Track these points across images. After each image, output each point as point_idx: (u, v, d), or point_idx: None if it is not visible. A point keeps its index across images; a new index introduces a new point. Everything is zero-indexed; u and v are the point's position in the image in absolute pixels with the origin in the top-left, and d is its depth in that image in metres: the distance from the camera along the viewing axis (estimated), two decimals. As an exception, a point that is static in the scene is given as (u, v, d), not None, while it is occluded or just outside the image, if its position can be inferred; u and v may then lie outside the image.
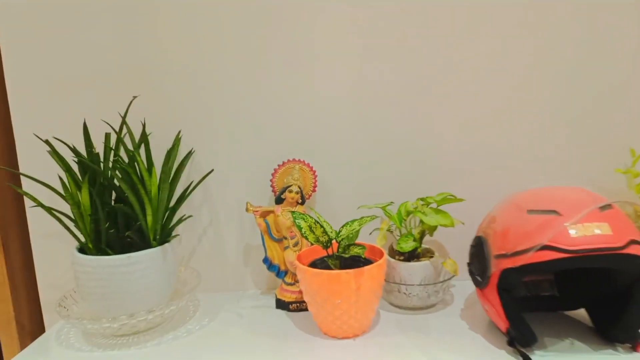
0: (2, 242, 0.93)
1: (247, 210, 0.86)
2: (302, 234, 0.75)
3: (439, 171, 0.91)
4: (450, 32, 0.87)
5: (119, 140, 0.80)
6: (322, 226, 0.75)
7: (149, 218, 0.77)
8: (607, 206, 0.63)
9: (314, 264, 0.77)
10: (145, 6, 0.87)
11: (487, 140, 0.90)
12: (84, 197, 0.75)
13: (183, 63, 0.89)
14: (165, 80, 0.89)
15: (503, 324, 0.67)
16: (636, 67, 0.87)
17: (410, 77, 0.88)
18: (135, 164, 0.78)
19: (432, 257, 0.82)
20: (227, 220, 0.94)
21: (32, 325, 0.99)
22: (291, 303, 0.84)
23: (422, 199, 0.85)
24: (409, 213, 0.83)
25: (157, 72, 0.89)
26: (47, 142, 0.77)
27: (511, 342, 0.67)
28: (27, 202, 0.93)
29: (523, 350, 0.65)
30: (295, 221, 0.75)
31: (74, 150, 0.78)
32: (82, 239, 0.79)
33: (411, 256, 0.83)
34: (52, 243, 0.94)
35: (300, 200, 0.86)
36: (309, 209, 0.91)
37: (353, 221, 0.76)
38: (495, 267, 0.66)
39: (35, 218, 0.93)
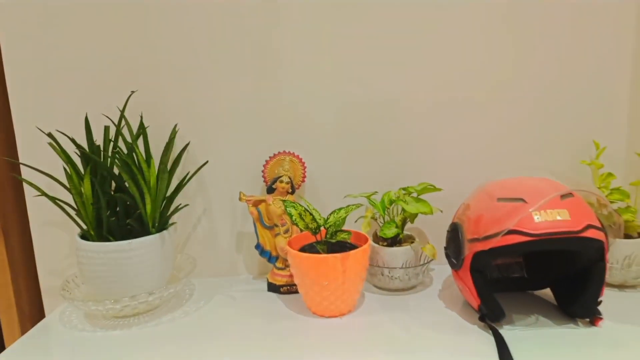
0: (3, 230, 0.96)
1: (240, 199, 0.91)
2: (292, 221, 0.81)
3: (419, 163, 0.97)
4: (429, 29, 0.93)
5: (118, 133, 0.85)
6: (311, 214, 0.81)
7: (148, 207, 0.82)
8: (568, 195, 0.70)
9: (303, 249, 0.83)
10: (142, 3, 0.90)
11: (463, 134, 0.96)
12: (86, 187, 0.80)
13: (179, 60, 0.93)
14: (162, 76, 0.93)
15: (475, 302, 0.74)
16: (600, 65, 0.94)
17: (394, 73, 0.94)
18: (134, 155, 0.83)
19: (412, 242, 0.89)
20: (221, 209, 0.99)
21: (31, 310, 1.03)
22: (282, 286, 0.90)
23: (403, 189, 0.91)
24: (391, 202, 0.89)
25: (154, 68, 0.93)
26: (49, 134, 0.81)
27: (482, 318, 0.74)
28: (27, 192, 0.96)
29: (493, 324, 0.72)
30: (286, 209, 0.81)
31: (75, 142, 0.82)
32: (84, 227, 0.83)
33: (393, 242, 0.89)
34: (52, 231, 0.97)
35: (290, 190, 0.91)
36: (298, 198, 0.97)
37: (340, 209, 0.82)
38: (469, 250, 0.73)
39: (35, 207, 0.97)
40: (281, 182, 0.90)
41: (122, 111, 0.85)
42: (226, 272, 1.01)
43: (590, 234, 0.67)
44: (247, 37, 0.92)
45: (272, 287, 0.91)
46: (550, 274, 0.81)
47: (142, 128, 0.88)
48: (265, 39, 0.92)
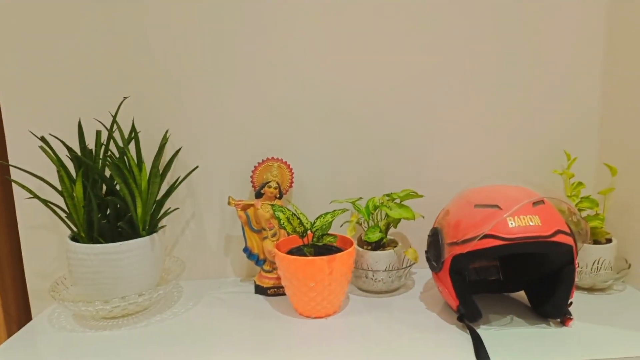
0: (-10, 232, 0.97)
1: (229, 203, 0.94)
2: (280, 225, 0.84)
3: (402, 170, 1.01)
4: (414, 39, 0.97)
5: (110, 137, 0.86)
6: (298, 218, 0.84)
7: (139, 210, 0.84)
8: (540, 202, 0.75)
9: (291, 252, 0.86)
10: (135, 10, 0.93)
11: (444, 144, 1.01)
12: (77, 190, 0.81)
13: (171, 67, 0.95)
14: (154, 83, 0.95)
15: (454, 303, 0.78)
16: (571, 80, 0.99)
17: (380, 83, 0.98)
18: (126, 159, 0.85)
19: (395, 246, 0.93)
20: (210, 213, 1.01)
21: (18, 314, 1.03)
22: (269, 288, 0.93)
23: (387, 195, 0.95)
24: (375, 207, 0.93)
25: (146, 75, 0.95)
26: (42, 138, 0.82)
27: (460, 318, 0.78)
28: (16, 194, 0.97)
29: (470, 324, 0.76)
30: (275, 213, 0.84)
31: (67, 146, 0.83)
32: (74, 229, 0.85)
33: (377, 245, 0.93)
34: (40, 233, 0.98)
35: (278, 195, 0.94)
36: (286, 203, 1.00)
37: (326, 214, 0.86)
38: (448, 254, 0.77)
39: (24, 209, 0.97)
40: (269, 187, 0.93)
41: (114, 116, 0.87)
42: (214, 274, 1.04)
43: (559, 238, 0.71)
44: (237, 44, 0.95)
45: (260, 290, 0.94)
46: (524, 276, 0.86)
47: (133, 132, 0.90)
48: (255, 46, 0.96)
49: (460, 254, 0.74)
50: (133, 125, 0.91)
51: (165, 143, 0.91)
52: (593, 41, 0.98)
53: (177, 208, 0.99)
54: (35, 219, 0.98)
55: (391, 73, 0.98)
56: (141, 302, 0.83)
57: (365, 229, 0.93)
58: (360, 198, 0.99)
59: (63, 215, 0.85)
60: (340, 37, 0.96)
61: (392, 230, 0.97)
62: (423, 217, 0.95)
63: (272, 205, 0.86)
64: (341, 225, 1.02)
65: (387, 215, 0.91)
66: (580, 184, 0.94)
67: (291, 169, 0.97)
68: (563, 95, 1.00)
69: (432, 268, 0.83)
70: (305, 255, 0.83)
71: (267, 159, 0.96)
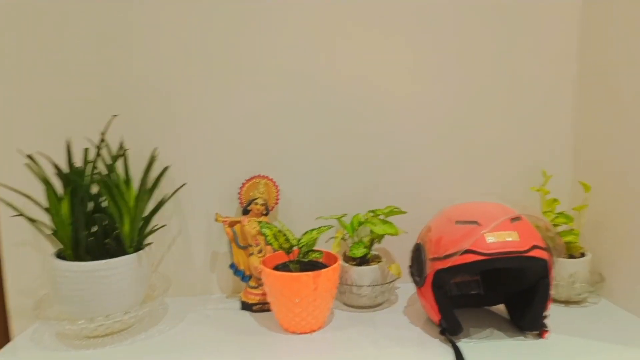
0: (-28, 250, 0.96)
1: (216, 220, 0.95)
2: (267, 241, 0.85)
3: (386, 187, 1.04)
4: (398, 57, 1.01)
5: (98, 155, 0.87)
6: (285, 234, 0.86)
7: (127, 227, 0.84)
8: (517, 218, 0.78)
9: (277, 268, 0.87)
10: (122, 27, 0.95)
11: (426, 162, 1.04)
12: (64, 207, 0.81)
13: (159, 85, 0.97)
14: (143, 101, 0.97)
15: (436, 317, 0.80)
16: (547, 101, 1.04)
17: (365, 100, 1.02)
18: (114, 176, 0.85)
19: (380, 262, 0.95)
20: (196, 230, 1.02)
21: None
22: (255, 304, 0.94)
23: (372, 211, 0.97)
24: (360, 223, 0.95)
25: (134, 93, 0.96)
26: (29, 156, 0.83)
27: (443, 332, 0.80)
28: (2, 212, 0.96)
29: (452, 338, 0.79)
30: (261, 230, 0.85)
31: (54, 164, 0.84)
32: (60, 247, 0.85)
33: (362, 261, 0.95)
34: (24, 251, 0.98)
35: (265, 212, 0.96)
36: (272, 219, 1.01)
37: (312, 230, 0.87)
38: (430, 269, 0.79)
39: (8, 227, 0.97)
40: (256, 204, 0.95)
41: (103, 134, 0.88)
42: (200, 291, 1.04)
43: (535, 253, 0.75)
44: (225, 62, 0.98)
45: (245, 306, 0.95)
46: (504, 290, 0.89)
47: (121, 150, 0.91)
48: (241, 65, 0.98)
49: (441, 269, 0.77)
50: (121, 143, 0.92)
51: (154, 160, 0.92)
52: (567, 64, 1.03)
53: (164, 225, 1.00)
54: (20, 236, 0.97)
55: (377, 93, 1.01)
56: (126, 320, 0.83)
57: (350, 245, 0.95)
58: (345, 214, 1.01)
59: (49, 232, 0.85)
60: (326, 55, 0.99)
61: (376, 245, 0.99)
62: (406, 232, 0.98)
63: (259, 222, 0.87)
64: (326, 242, 1.04)
65: (371, 231, 0.93)
66: (555, 200, 0.98)
67: (277, 187, 0.99)
68: (539, 117, 1.05)
69: (415, 283, 0.85)
70: (291, 271, 0.84)
71: (254, 176, 0.98)
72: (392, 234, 0.91)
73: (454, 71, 1.02)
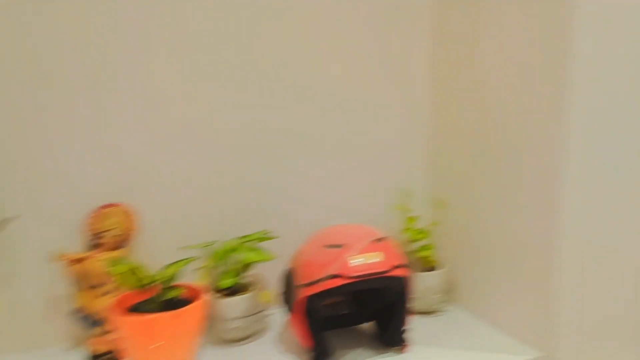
0: None
1: (55, 258, 0.81)
2: (119, 279, 0.75)
3: (257, 211, 1.01)
4: (259, 85, 0.99)
5: None
6: (140, 270, 0.76)
7: None
8: (380, 239, 0.81)
9: (131, 310, 0.77)
10: None
11: (300, 184, 1.04)
12: None
13: (-24, 99, 0.80)
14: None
15: (307, 342, 0.79)
16: (404, 125, 1.13)
17: (231, 121, 0.97)
18: None
19: (251, 290, 0.90)
20: (29, 271, 0.86)
21: None
22: (104, 354, 0.82)
23: (241, 237, 0.93)
24: (229, 251, 0.90)
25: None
26: None
27: (314, 357, 0.79)
28: None
29: (323, 363, 0.78)
30: (111, 266, 0.74)
31: None
32: None
33: (232, 291, 0.89)
34: None
35: (118, 245, 0.85)
36: (127, 253, 0.90)
37: (173, 263, 0.79)
38: (300, 295, 0.78)
39: None
40: (106, 236, 0.83)
41: None
42: (33, 344, 0.87)
43: (396, 272, 0.78)
44: (69, 78, 0.85)
45: (95, 357, 0.82)
46: (372, 309, 0.91)
47: None
48: (97, 81, 0.86)
49: (310, 295, 0.76)
50: None
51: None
52: (421, 85, 1.12)
53: (-16, 268, 0.82)
54: None
55: (243, 113, 0.98)
56: None
57: (218, 275, 0.89)
58: (214, 242, 0.95)
59: None
60: (187, 77, 0.93)
61: (247, 272, 0.94)
62: (278, 257, 0.95)
63: (109, 258, 0.76)
64: (192, 273, 0.96)
65: (241, 258, 0.89)
66: (415, 217, 1.05)
67: (134, 215, 0.88)
68: (398, 141, 1.12)
69: (287, 309, 0.83)
70: (148, 312, 0.75)
71: (106, 204, 0.86)
72: (263, 261, 0.88)
73: (309, 94, 1.03)
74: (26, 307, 0.86)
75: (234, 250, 0.89)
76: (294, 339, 0.89)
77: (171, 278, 0.78)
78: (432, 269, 1.01)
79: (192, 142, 0.95)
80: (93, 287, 0.83)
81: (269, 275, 1.02)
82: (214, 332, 0.88)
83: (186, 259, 0.81)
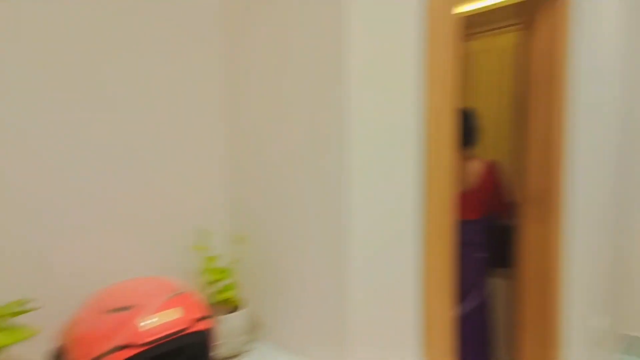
0: None
1: None
2: None
3: (7, 271, 0.78)
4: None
5: None
6: None
7: None
8: (178, 293, 0.73)
9: None
10: None
11: (71, 240, 0.86)
12: None
13: None
14: None
15: None
16: (197, 161, 1.06)
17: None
18: None
19: (3, 382, 0.69)
20: None
21: None
22: None
23: (-11, 313, 0.70)
24: (-34, 337, 0.67)
25: None
26: None
27: None
28: None
29: None
30: None
31: None
32: None
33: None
34: None
35: None
36: None
37: None
38: (77, 378, 0.63)
39: None
40: None
41: None
42: None
43: (198, 326, 0.71)
44: None
45: None
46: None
47: None
48: None
49: (91, 376, 0.62)
50: None
51: None
52: (213, 126, 1.08)
53: None
54: None
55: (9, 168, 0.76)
56: None
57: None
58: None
59: None
60: None
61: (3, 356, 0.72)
62: (41, 333, 0.75)
63: None
64: None
65: (-14, 344, 0.67)
66: (214, 257, 0.99)
67: None
68: (193, 180, 1.04)
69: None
70: None
71: None
72: (17, 342, 0.68)
73: (100, 130, 0.89)
74: None
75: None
76: None
77: None
78: (235, 309, 0.97)
79: None
80: None
81: (34, 355, 0.80)
82: None
83: None
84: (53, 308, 0.77)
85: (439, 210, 1.01)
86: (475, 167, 1.74)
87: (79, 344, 0.64)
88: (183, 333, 0.68)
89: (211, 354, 0.75)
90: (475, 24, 2.21)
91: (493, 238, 1.80)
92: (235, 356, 0.96)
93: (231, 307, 0.97)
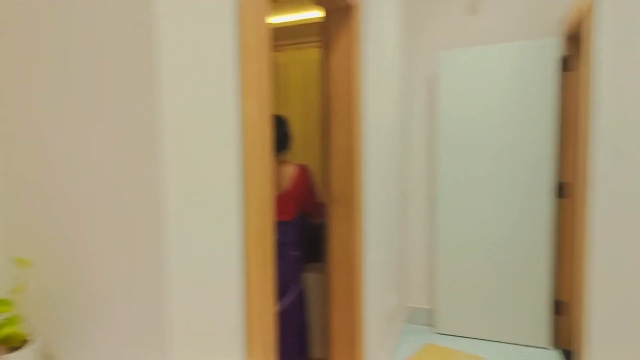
0: None
1: None
2: None
3: None
4: None
5: None
6: None
7: None
8: None
9: None
10: None
11: None
12: None
13: None
14: None
15: None
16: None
17: None
18: None
19: None
20: None
21: None
22: None
23: None
24: None
25: None
26: None
27: None
28: None
29: None
30: None
31: None
32: None
33: None
34: None
35: None
36: None
37: None
38: None
39: None
40: None
41: None
42: None
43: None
44: None
45: None
46: None
47: None
48: None
49: None
50: None
51: None
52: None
53: None
54: None
55: None
56: None
57: None
58: None
59: None
60: None
61: None
62: None
63: None
64: None
65: None
66: (-12, 288, 0.80)
67: None
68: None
69: None
70: None
71: None
72: None
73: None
74: None
75: None
76: None
77: None
78: (22, 345, 0.80)
79: None
80: None
81: None
82: None
83: None
84: None
85: (260, 212, 1.04)
86: (289, 171, 1.85)
87: None
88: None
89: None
90: (282, 37, 2.37)
91: (306, 236, 1.94)
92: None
93: (17, 343, 0.79)
